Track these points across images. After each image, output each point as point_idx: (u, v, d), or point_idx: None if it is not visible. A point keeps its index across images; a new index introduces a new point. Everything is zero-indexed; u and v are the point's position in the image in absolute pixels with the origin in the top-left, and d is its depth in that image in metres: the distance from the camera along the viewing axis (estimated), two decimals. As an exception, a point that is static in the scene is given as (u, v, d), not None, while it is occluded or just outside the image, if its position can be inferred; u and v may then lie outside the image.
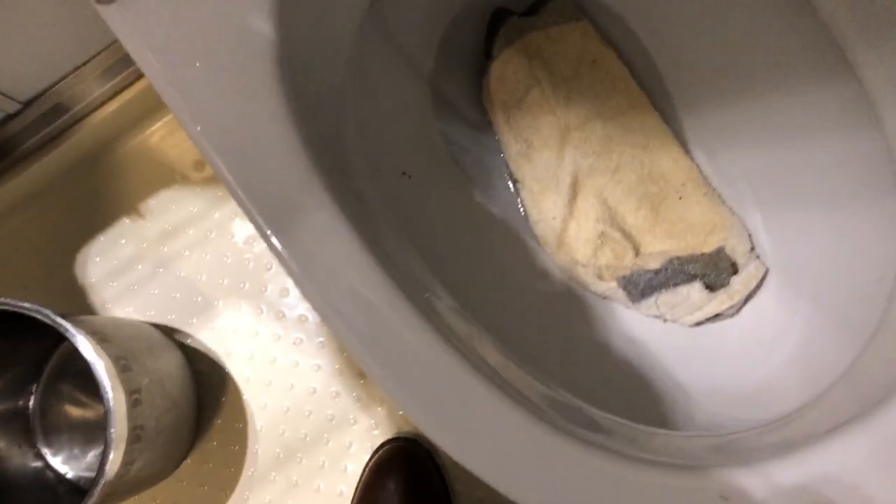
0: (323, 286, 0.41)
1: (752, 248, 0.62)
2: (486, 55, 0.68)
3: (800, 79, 0.57)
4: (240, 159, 0.42)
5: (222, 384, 0.81)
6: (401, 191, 0.62)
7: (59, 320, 0.59)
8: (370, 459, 0.74)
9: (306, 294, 0.41)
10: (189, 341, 0.82)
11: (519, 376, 0.49)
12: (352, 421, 0.77)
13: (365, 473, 0.73)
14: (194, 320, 0.83)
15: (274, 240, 0.41)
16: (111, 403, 0.57)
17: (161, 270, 0.84)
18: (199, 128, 0.42)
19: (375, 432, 0.76)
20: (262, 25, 0.42)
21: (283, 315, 0.80)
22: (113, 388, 0.58)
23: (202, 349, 0.82)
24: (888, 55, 0.49)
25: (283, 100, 0.43)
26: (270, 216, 0.42)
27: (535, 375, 0.50)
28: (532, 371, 0.50)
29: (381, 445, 0.74)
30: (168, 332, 0.82)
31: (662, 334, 0.63)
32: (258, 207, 0.42)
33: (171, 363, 0.74)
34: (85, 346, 0.58)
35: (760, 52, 0.59)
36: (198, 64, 0.43)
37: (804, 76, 0.57)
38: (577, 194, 0.67)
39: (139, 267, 0.84)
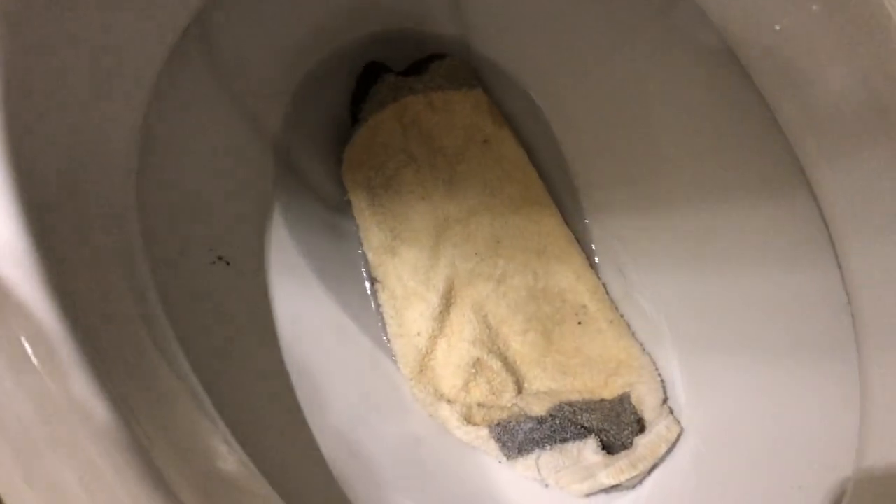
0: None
1: (665, 401, 0.48)
2: (353, 119, 0.54)
3: (740, 193, 0.44)
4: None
5: None
6: (210, 282, 0.46)
7: None
8: None
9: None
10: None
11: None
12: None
13: None
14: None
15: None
16: None
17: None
18: None
19: None
20: None
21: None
22: None
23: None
24: (854, 175, 0.37)
25: None
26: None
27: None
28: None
29: None
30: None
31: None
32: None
33: None
34: None
35: (694, 155, 0.46)
36: None
37: (746, 191, 0.44)
38: (450, 305, 0.52)
39: None
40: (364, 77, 0.54)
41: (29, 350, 0.26)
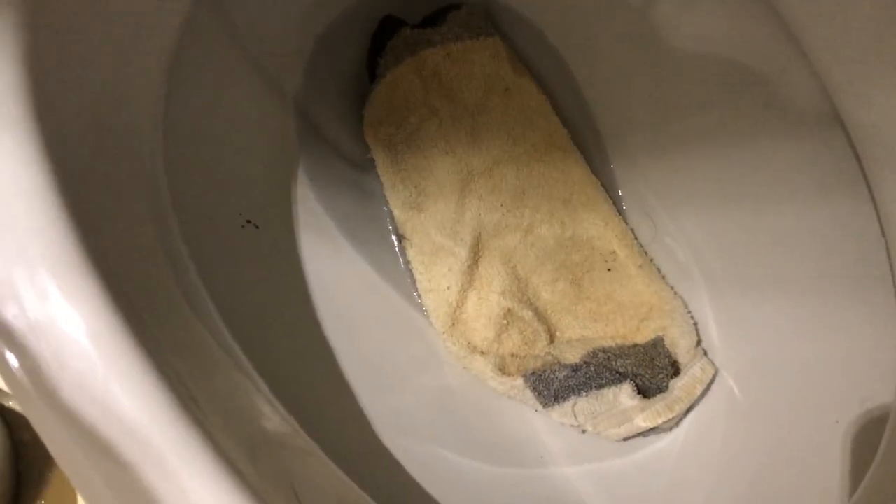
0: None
1: (699, 343, 0.48)
2: (371, 76, 0.53)
3: (765, 128, 0.43)
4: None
5: (49, 456, 0.63)
6: (241, 246, 0.46)
7: None
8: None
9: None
10: (11, 403, 0.64)
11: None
12: None
13: None
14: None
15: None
16: None
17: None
18: None
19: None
20: None
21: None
22: None
23: (26, 413, 0.64)
24: (885, 103, 0.35)
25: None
26: None
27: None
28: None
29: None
30: (-16, 395, 0.64)
31: (580, 449, 0.48)
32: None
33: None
34: None
35: (719, 92, 0.45)
36: None
37: (772, 125, 0.43)
38: (479, 258, 0.51)
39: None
40: (380, 32, 0.53)
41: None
